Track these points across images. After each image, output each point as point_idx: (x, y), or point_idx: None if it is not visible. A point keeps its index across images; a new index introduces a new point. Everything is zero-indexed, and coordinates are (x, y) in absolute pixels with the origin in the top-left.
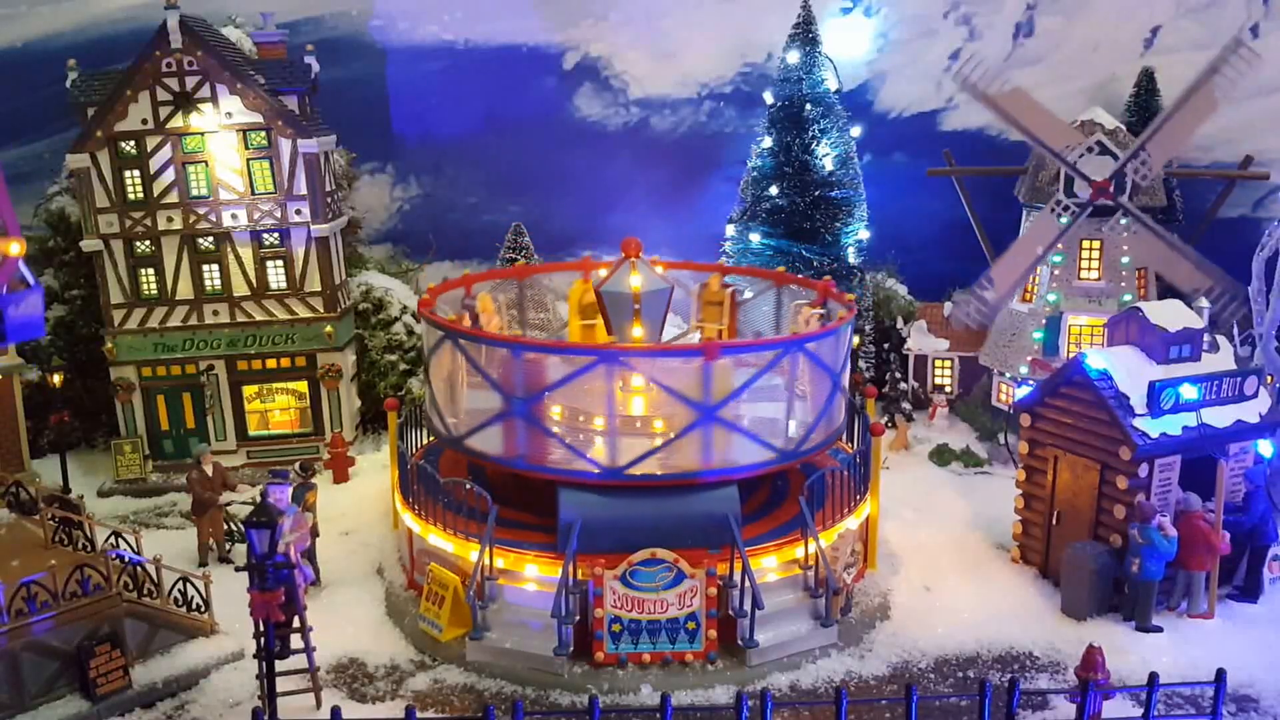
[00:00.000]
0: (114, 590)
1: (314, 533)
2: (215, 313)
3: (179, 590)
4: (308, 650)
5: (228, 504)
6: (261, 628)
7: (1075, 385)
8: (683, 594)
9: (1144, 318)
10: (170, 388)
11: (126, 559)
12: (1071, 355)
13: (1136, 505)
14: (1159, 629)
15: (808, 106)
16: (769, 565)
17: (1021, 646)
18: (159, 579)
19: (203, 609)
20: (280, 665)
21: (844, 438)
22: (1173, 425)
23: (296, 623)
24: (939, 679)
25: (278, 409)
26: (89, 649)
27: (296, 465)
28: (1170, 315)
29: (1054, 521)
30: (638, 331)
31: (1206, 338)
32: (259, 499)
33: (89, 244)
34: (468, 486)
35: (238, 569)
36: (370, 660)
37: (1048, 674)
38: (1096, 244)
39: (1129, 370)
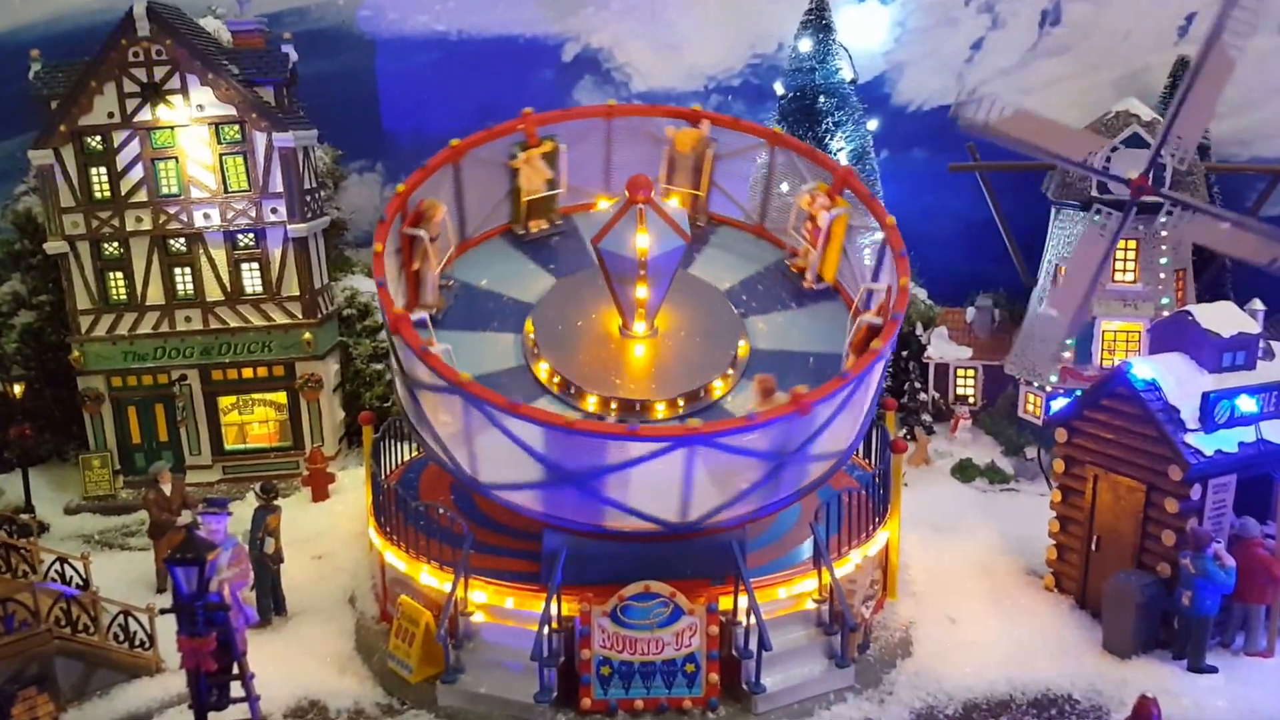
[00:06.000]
0: (43, 626)
1: (278, 559)
2: (188, 319)
3: (119, 625)
4: (250, 701)
5: (188, 525)
6: (194, 679)
7: (1118, 397)
8: (680, 632)
9: (1194, 322)
10: (141, 399)
11: (60, 590)
12: (1105, 363)
13: (1190, 531)
14: (1214, 669)
15: (821, 98)
16: (778, 599)
17: (1059, 688)
18: (95, 612)
19: (146, 645)
20: (224, 716)
21: (861, 454)
22: (1228, 441)
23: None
24: None
25: (256, 421)
26: (10, 694)
27: (257, 486)
28: (1223, 319)
29: (1093, 547)
30: (641, 293)
31: (1261, 344)
32: (188, 531)
33: (53, 246)
34: (440, 510)
35: (162, 611)
36: (332, 703)
37: None
38: (1133, 244)
39: (1178, 380)
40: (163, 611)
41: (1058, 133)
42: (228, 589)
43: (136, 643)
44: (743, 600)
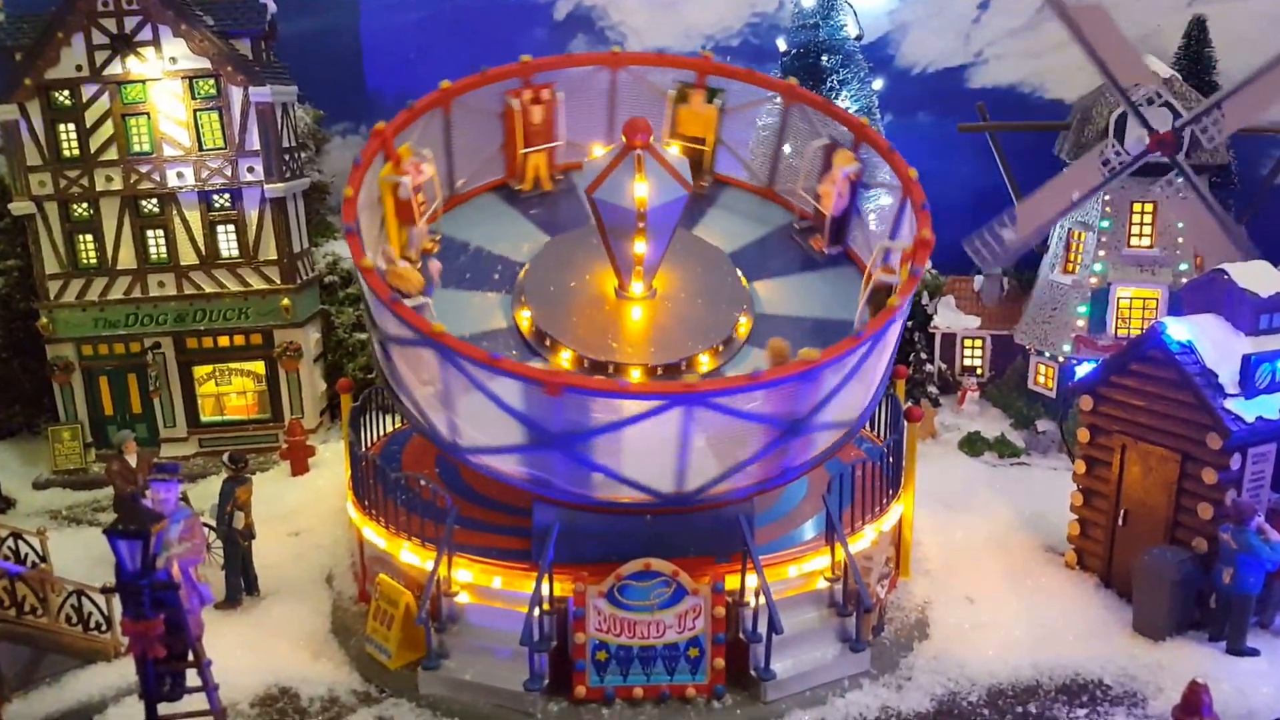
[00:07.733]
0: None
1: (248, 534)
2: (161, 284)
3: (72, 605)
4: (208, 690)
5: (132, 493)
6: (142, 666)
7: (1150, 361)
8: (683, 614)
9: (1230, 281)
10: (114, 368)
11: (4, 568)
12: (1120, 331)
13: (1231, 504)
14: (1256, 652)
15: (825, 56)
16: (788, 577)
17: (1089, 673)
18: (45, 592)
19: (103, 628)
20: (179, 707)
21: (869, 426)
22: (1269, 407)
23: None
24: (994, 715)
25: (233, 392)
26: None
27: (225, 456)
28: (1260, 278)
29: (1120, 522)
30: (640, 248)
31: None
32: (130, 499)
33: (19, 206)
34: (422, 482)
35: (103, 590)
36: (305, 691)
37: (1124, 707)
38: (1149, 207)
39: (1214, 342)
40: (104, 590)
41: (1119, 48)
42: (177, 565)
43: (91, 625)
44: (751, 579)
